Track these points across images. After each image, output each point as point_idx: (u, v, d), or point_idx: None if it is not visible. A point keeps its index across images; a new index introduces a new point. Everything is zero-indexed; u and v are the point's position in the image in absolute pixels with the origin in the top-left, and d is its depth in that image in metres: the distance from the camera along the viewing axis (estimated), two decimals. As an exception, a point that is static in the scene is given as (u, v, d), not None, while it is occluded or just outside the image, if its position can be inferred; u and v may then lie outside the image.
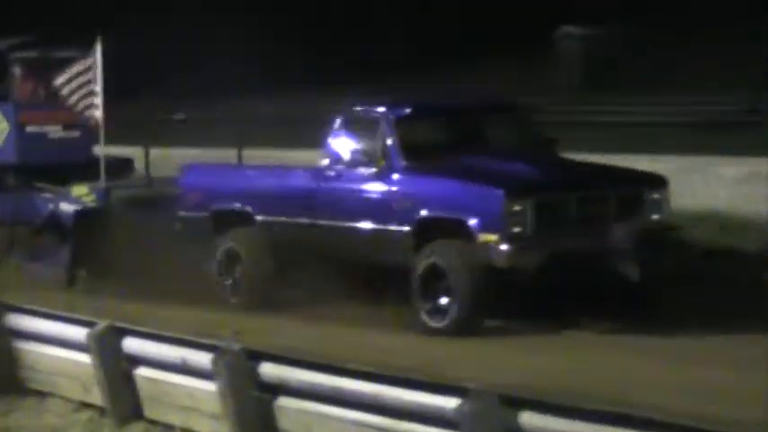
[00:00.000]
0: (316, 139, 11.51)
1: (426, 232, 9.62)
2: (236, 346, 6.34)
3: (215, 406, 6.28)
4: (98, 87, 12.44)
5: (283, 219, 10.77)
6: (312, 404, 5.96)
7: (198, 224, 11.54)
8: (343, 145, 10.55)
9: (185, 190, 11.85)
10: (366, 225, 10.09)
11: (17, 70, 13.79)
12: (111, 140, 13.23)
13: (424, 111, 11.28)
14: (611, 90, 24.58)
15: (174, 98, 24.15)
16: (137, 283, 11.09)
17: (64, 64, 12.90)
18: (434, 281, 9.28)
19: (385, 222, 9.94)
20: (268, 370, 6.17)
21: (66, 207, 12.56)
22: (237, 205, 11.29)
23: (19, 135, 13.53)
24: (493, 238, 9.08)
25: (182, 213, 11.67)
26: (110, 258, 11.54)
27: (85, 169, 13.29)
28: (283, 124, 22.56)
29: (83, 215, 12.26)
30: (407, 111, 10.71)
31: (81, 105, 12.61)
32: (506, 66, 27.46)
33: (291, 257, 10.87)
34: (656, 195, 10.03)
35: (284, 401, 6.11)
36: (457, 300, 9.11)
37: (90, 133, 13.54)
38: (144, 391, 6.99)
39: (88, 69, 12.51)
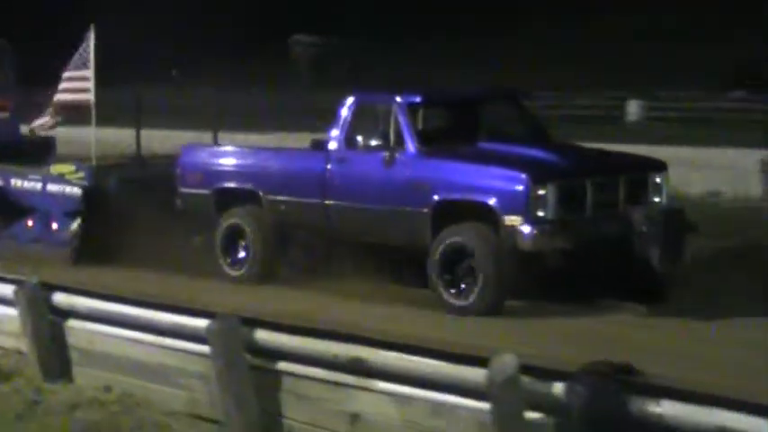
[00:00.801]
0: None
1: (443, 214, 9.81)
2: (34, 280, 7.78)
3: (17, 327, 7.79)
4: (90, 73, 12.90)
5: (291, 198, 11.07)
6: (96, 325, 7.47)
7: (199, 201, 11.91)
8: (354, 130, 10.78)
9: (185, 168, 12.18)
10: (381, 206, 10.31)
11: None
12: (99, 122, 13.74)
13: (434, 98, 11.54)
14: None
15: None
16: (138, 257, 11.52)
17: None
18: (456, 261, 9.47)
19: (401, 204, 10.15)
20: (60, 299, 7.70)
21: (65, 187, 12.75)
22: (242, 184, 11.66)
23: None
24: (517, 220, 9.24)
25: (183, 190, 12.04)
26: (112, 235, 11.83)
27: (14, 148, 14.20)
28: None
29: (90, 194, 12.49)
30: (419, 98, 10.88)
31: (72, 90, 13.10)
32: (252, 65, 36.18)
33: (295, 234, 11.32)
34: (657, 179, 10.29)
35: (72, 323, 7.66)
36: (484, 280, 9.27)
37: (15, 113, 14.91)
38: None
39: (80, 57, 12.99)
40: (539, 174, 9.55)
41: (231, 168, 12.07)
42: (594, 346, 7.51)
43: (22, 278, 7.96)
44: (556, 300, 9.63)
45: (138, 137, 14.89)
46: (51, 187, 12.90)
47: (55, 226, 12.90)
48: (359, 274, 10.25)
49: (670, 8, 42.76)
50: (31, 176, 13.27)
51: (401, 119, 10.38)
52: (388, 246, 10.44)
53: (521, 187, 9.43)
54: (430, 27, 45.32)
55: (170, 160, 13.08)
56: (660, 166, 10.49)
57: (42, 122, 13.61)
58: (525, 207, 9.34)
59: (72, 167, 13.02)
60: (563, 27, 44.17)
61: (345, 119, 10.84)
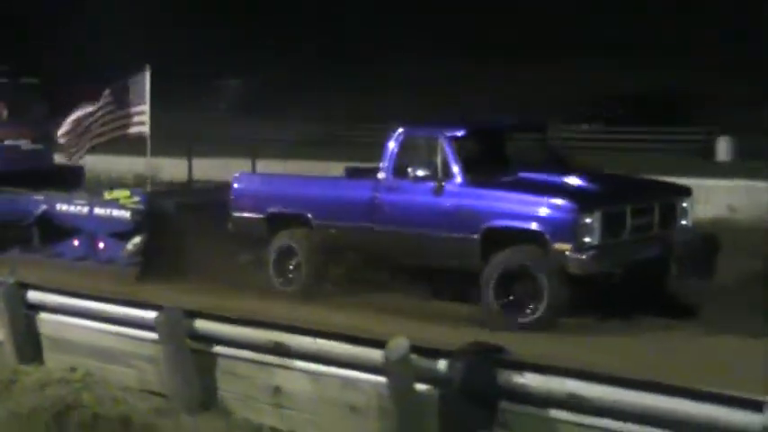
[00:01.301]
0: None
1: (492, 240, 10.30)
2: (11, 280, 9.07)
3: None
4: (147, 107, 13.71)
5: (340, 223, 11.64)
6: (63, 317, 8.77)
7: (251, 225, 12.56)
8: (401, 161, 11.30)
9: (238, 194, 12.82)
10: (430, 232, 10.79)
11: None
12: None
13: (476, 130, 11.86)
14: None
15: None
16: (194, 273, 12.18)
17: (27, 89, 15.55)
18: (515, 282, 9.96)
19: (450, 231, 10.61)
20: (33, 295, 9.02)
21: (113, 211, 13.65)
22: (293, 209, 12.24)
23: None
24: (567, 247, 9.75)
25: (236, 215, 12.71)
26: (171, 254, 12.57)
27: (48, 176, 15.27)
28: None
29: (149, 217, 13.28)
30: (464, 131, 11.37)
31: (122, 123, 13.97)
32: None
33: (343, 256, 11.80)
34: (684, 204, 10.96)
35: (43, 315, 8.95)
36: (545, 299, 9.76)
37: (51, 145, 15.92)
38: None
39: (125, 92, 13.86)
40: (585, 203, 10.02)
41: (283, 195, 12.62)
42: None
43: (1, 278, 9.06)
44: (596, 315, 10.00)
45: (189, 164, 15.61)
46: (98, 210, 13.75)
47: (101, 245, 13.77)
48: (400, 292, 10.85)
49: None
50: (76, 201, 14.20)
51: (448, 150, 10.88)
52: (433, 268, 10.95)
53: (569, 216, 9.89)
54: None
55: (215, 185, 14.34)
56: (686, 192, 11.06)
57: (77, 150, 14.60)
58: (573, 234, 9.82)
59: (127, 193, 13.90)
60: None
61: (393, 150, 11.37)
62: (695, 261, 10.25)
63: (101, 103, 14.14)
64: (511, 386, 5.79)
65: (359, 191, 11.74)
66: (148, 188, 14.10)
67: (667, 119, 31.72)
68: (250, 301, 10.83)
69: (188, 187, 15.39)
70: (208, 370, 7.27)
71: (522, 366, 5.83)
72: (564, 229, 9.84)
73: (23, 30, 47.99)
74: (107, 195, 14.06)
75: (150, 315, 7.61)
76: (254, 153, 16.21)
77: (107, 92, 14.08)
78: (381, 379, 6.07)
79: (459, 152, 10.92)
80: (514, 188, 10.73)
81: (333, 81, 43.73)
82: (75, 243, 14.07)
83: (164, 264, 12.57)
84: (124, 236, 13.48)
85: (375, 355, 6.08)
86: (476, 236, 10.35)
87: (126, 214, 13.45)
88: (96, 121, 14.25)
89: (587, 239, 9.78)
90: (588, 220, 9.83)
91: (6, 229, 14.48)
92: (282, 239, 12.11)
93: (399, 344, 5.96)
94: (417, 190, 11.01)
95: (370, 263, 11.58)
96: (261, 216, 12.44)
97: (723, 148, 27.92)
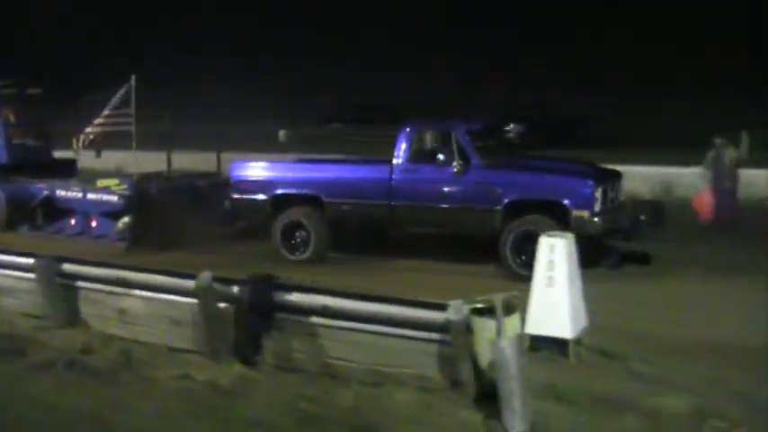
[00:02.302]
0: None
1: (512, 211, 12.54)
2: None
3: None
4: (132, 110, 16.51)
5: (353, 201, 13.64)
6: None
7: (252, 205, 14.49)
8: (416, 149, 13.56)
9: (238, 179, 14.68)
10: (451, 206, 12.97)
11: (3, 102, 18.74)
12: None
13: (482, 126, 13.99)
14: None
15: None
16: (180, 244, 14.28)
17: (31, 98, 18.81)
18: (525, 243, 11.98)
19: (473, 204, 12.81)
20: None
21: (104, 195, 16.37)
22: (303, 191, 14.08)
23: (8, 145, 18.88)
24: (585, 213, 12.17)
25: (235, 197, 14.63)
26: (157, 229, 14.79)
27: (48, 167, 18.51)
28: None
29: (136, 199, 15.72)
30: (476, 126, 13.64)
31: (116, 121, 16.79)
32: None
33: (348, 229, 14.03)
34: (622, 182, 13.81)
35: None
36: None
37: (50, 142, 19.44)
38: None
39: (122, 98, 16.58)
40: (596, 179, 12.47)
41: (291, 178, 14.35)
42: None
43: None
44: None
45: (168, 157, 17.92)
46: (91, 195, 16.47)
47: (94, 224, 16.40)
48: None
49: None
50: (73, 188, 16.96)
51: (462, 141, 12.99)
52: (453, 235, 13.30)
53: (588, 189, 12.28)
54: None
55: (188, 173, 17.41)
56: (621, 174, 13.89)
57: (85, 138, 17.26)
58: (591, 202, 12.21)
59: (116, 181, 16.75)
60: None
61: (407, 140, 13.47)
62: (654, 222, 13.12)
63: (107, 110, 16.78)
64: (283, 302, 8.17)
65: (374, 173, 13.65)
66: (134, 176, 16.67)
67: (389, 119, 37.18)
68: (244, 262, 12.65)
69: (168, 175, 17.74)
70: (72, 298, 9.59)
71: (290, 288, 8.28)
72: (584, 199, 12.25)
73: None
74: (99, 183, 16.83)
75: (29, 261, 9.88)
76: (219, 149, 18.81)
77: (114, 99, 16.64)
78: (194, 300, 8.45)
79: (473, 143, 13.09)
80: (529, 170, 13.14)
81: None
82: (72, 222, 16.79)
83: (149, 238, 14.76)
84: (113, 215, 15.95)
85: (189, 284, 8.49)
86: (498, 207, 12.61)
87: (114, 198, 16.06)
88: (100, 123, 16.94)
89: (597, 208, 12.27)
90: (598, 194, 12.35)
91: (17, 211, 17.28)
92: (291, 216, 13.98)
93: (205, 275, 8.39)
94: (435, 172, 13.08)
95: (379, 232, 13.94)
96: (265, 197, 14.24)
97: None
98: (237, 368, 8.06)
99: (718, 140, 16.87)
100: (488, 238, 12.62)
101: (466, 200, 12.89)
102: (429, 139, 14.02)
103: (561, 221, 12.05)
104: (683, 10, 49.17)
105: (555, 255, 8.18)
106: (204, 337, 8.39)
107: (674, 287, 12.00)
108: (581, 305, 8.48)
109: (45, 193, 17.30)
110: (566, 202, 12.29)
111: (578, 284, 8.45)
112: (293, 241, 14.04)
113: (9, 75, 18.79)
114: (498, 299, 7.10)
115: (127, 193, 16.07)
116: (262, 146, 25.96)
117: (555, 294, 8.15)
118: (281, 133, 31.07)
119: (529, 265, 11.36)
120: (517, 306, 7.44)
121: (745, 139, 17.00)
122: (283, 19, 59.06)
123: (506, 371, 6.65)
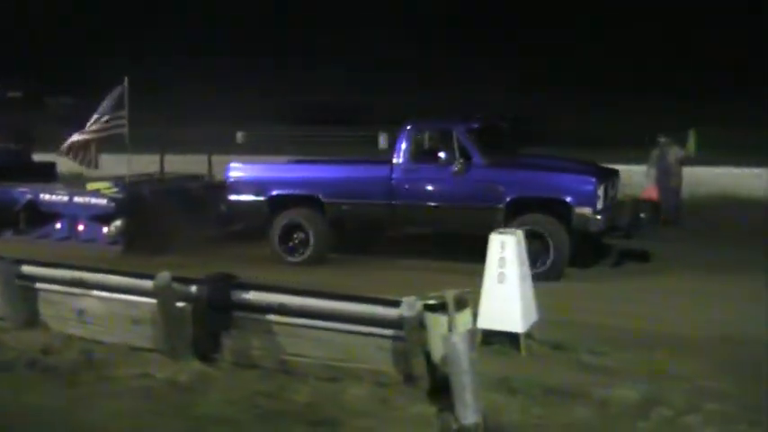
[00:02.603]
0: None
1: (514, 208, 12.49)
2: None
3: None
4: (125, 112, 16.09)
5: (354, 201, 13.56)
6: None
7: (249, 206, 14.34)
8: (416, 148, 13.45)
9: (235, 180, 14.56)
10: (454, 204, 12.93)
11: None
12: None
13: (482, 124, 13.84)
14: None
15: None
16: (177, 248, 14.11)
17: (12, 102, 17.43)
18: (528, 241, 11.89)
19: (475, 202, 12.74)
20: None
21: (91, 199, 15.99)
22: (302, 191, 13.94)
23: None
24: (587, 211, 12.17)
25: (232, 198, 14.51)
26: (151, 231, 14.64)
27: (27, 171, 18.04)
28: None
29: (129, 202, 15.52)
30: (476, 125, 13.52)
31: (111, 125, 16.21)
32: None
33: (348, 229, 14.03)
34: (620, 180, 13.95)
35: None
36: (555, 254, 12.05)
37: (29, 145, 19.24)
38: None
39: (115, 100, 16.13)
40: (598, 177, 12.48)
41: (289, 179, 14.26)
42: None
43: None
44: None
45: (161, 160, 17.77)
46: (78, 199, 16.04)
47: (81, 228, 16.00)
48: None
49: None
50: (58, 191, 16.54)
51: (464, 140, 12.93)
52: (453, 233, 13.31)
53: (591, 187, 12.27)
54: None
55: (177, 176, 17.20)
56: (619, 173, 14.01)
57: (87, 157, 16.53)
58: (593, 200, 12.21)
59: (108, 184, 16.21)
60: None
61: (407, 140, 13.38)
62: (651, 220, 13.37)
63: (96, 116, 16.22)
64: (241, 300, 8.28)
65: (375, 173, 13.58)
66: (127, 179, 16.26)
67: (345, 121, 41.80)
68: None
69: (160, 177, 17.63)
70: (31, 299, 9.60)
71: (248, 286, 8.38)
72: (586, 197, 12.26)
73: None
74: (90, 186, 16.38)
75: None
76: (162, 150, 18.64)
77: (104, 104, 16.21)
78: (153, 300, 8.53)
79: (474, 141, 13.07)
80: (530, 167, 13.16)
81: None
82: (58, 226, 16.34)
83: (143, 241, 14.62)
84: (102, 219, 15.64)
85: (148, 284, 8.58)
86: (500, 205, 12.57)
87: (103, 201, 15.69)
88: (94, 129, 16.23)
89: (600, 206, 12.30)
90: (600, 192, 12.34)
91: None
92: (289, 217, 13.86)
93: (164, 275, 8.48)
94: (437, 171, 13.04)
95: (380, 232, 14.04)
96: (262, 198, 14.10)
97: (382, 140, 38.62)
98: (196, 366, 8.17)
99: (662, 139, 17.19)
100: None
101: (467, 198, 12.85)
102: (429, 137, 13.94)
103: (563, 219, 12.13)
104: (635, 10, 50.32)
105: (506, 252, 8.39)
106: (163, 335, 8.48)
107: (654, 283, 12.27)
108: (532, 300, 8.70)
109: (28, 197, 16.82)
110: (568, 199, 12.30)
111: (529, 280, 8.67)
112: (291, 243, 13.95)
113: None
114: (450, 295, 7.29)
115: (119, 195, 15.78)
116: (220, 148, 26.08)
117: (506, 290, 8.37)
118: (239, 135, 31.32)
119: (532, 262, 11.66)
120: (469, 302, 7.63)
121: (692, 137, 17.36)
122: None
123: (458, 365, 6.81)
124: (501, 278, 8.37)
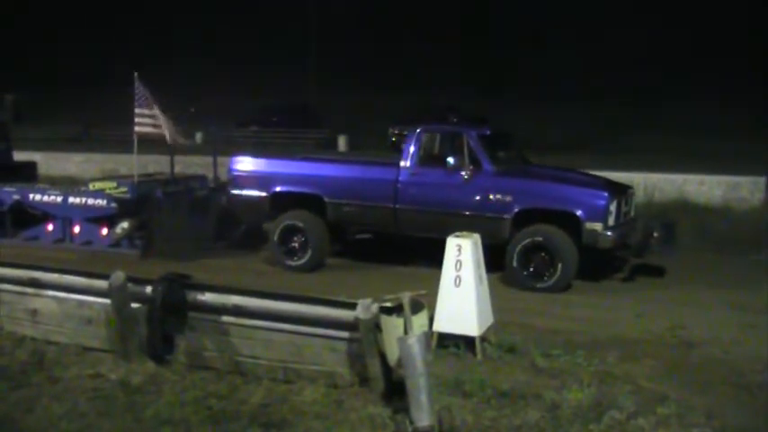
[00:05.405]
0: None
1: (521, 219, 12.16)
2: None
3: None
4: (158, 111, 14.94)
5: (357, 202, 13.18)
6: None
7: (250, 202, 13.96)
8: (424, 152, 13.15)
9: (237, 175, 14.14)
10: (460, 212, 12.47)
11: None
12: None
13: (494, 131, 13.39)
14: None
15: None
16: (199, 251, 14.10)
17: None
18: (533, 253, 11.92)
19: (481, 211, 12.38)
20: None
21: (89, 199, 15.16)
22: (304, 189, 13.53)
23: None
24: (598, 226, 11.83)
25: (234, 193, 14.14)
26: (172, 234, 14.34)
27: (8, 170, 17.04)
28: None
29: (146, 203, 14.72)
30: (488, 131, 13.17)
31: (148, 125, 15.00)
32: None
33: (349, 231, 13.79)
34: (633, 195, 13.55)
35: None
36: (561, 266, 11.75)
37: (10, 145, 18.02)
38: None
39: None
40: (610, 192, 12.16)
41: (292, 175, 13.76)
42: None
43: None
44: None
45: (171, 160, 16.53)
46: (73, 199, 15.22)
47: (77, 230, 15.24)
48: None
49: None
50: (50, 191, 15.62)
51: (474, 146, 12.58)
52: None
53: (603, 202, 11.92)
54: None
55: (184, 176, 16.45)
56: (633, 189, 13.66)
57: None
58: (605, 216, 11.83)
59: (113, 183, 15.17)
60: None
61: (415, 144, 13.02)
62: (667, 240, 12.93)
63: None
64: (195, 301, 8.22)
65: (380, 175, 13.20)
66: (135, 179, 15.29)
67: (304, 122, 42.65)
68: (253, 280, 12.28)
69: (168, 177, 16.44)
70: (-18, 300, 9.42)
71: (203, 287, 8.33)
72: (598, 212, 11.89)
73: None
74: (92, 186, 15.49)
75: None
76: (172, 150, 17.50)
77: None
78: (107, 300, 8.44)
79: (485, 148, 12.73)
80: (542, 178, 12.81)
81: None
82: (49, 228, 15.53)
83: (156, 244, 14.26)
84: (100, 221, 15.05)
85: (102, 284, 8.51)
86: (507, 216, 12.25)
87: (103, 202, 14.98)
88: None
89: (611, 221, 11.96)
90: (612, 207, 12.02)
91: None
92: (290, 218, 13.45)
93: (118, 275, 8.40)
94: (445, 176, 12.65)
95: (382, 236, 13.70)
96: (264, 195, 13.70)
97: (342, 142, 40.18)
98: (149, 367, 8.12)
99: None
100: (495, 247, 11.77)
101: (474, 206, 12.50)
102: (439, 142, 13.62)
103: (572, 233, 11.89)
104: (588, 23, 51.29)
105: (462, 255, 8.41)
106: (117, 336, 8.40)
107: (643, 295, 12.11)
108: (487, 303, 8.73)
109: (15, 197, 15.91)
110: (579, 213, 11.97)
111: (485, 283, 8.71)
112: (290, 246, 13.59)
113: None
114: (405, 297, 7.29)
115: (127, 196, 14.98)
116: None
117: (462, 293, 8.38)
118: (197, 135, 30.97)
119: (537, 275, 11.96)
120: (424, 304, 7.64)
121: None
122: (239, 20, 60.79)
123: (413, 367, 6.82)
124: (457, 281, 8.38)
